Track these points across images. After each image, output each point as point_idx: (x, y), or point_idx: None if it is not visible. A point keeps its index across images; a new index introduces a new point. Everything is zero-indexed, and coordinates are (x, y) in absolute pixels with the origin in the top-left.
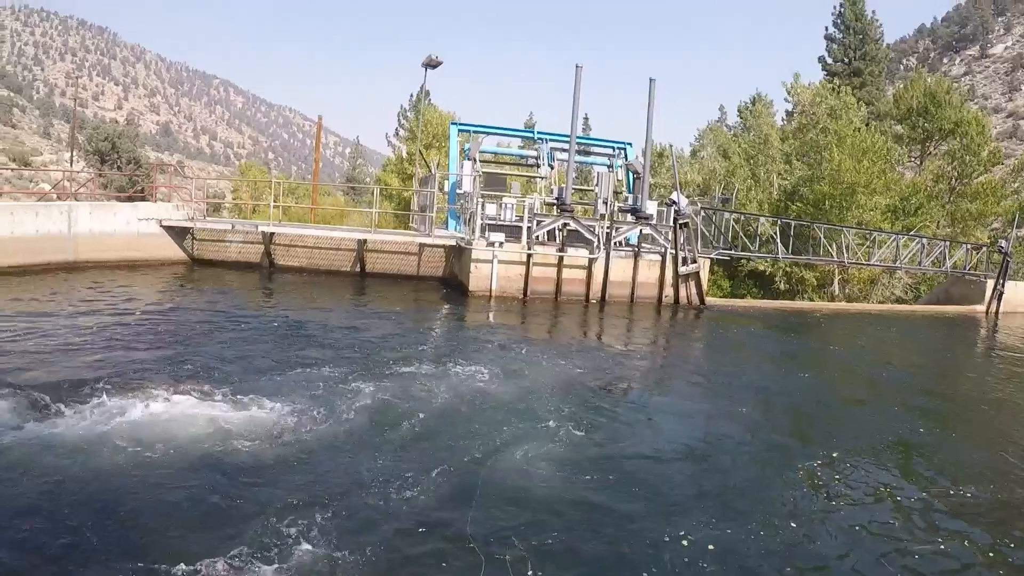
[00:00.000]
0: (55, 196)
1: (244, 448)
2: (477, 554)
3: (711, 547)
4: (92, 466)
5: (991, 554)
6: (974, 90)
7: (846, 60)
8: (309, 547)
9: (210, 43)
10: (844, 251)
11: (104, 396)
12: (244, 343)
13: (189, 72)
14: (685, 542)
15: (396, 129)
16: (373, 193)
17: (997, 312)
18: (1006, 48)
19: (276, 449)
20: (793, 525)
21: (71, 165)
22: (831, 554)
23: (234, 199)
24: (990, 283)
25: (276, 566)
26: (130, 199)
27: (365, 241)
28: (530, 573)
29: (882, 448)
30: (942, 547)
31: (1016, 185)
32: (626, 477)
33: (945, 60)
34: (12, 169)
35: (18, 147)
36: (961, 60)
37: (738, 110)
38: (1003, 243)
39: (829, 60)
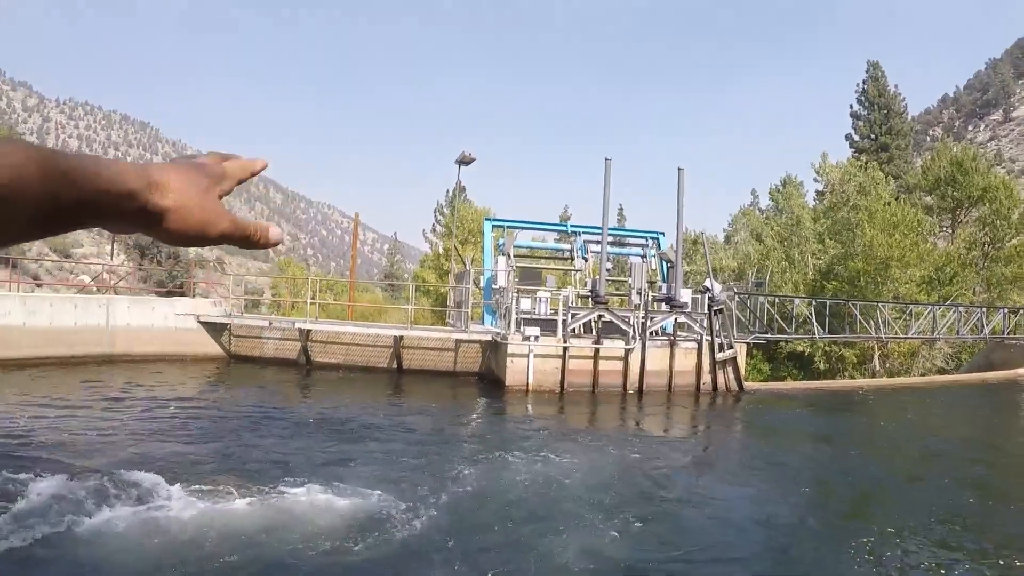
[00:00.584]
0: (95, 288)
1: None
2: None
3: None
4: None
5: None
6: (1000, 154)
7: (872, 136)
8: None
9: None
10: (881, 326)
11: (161, 489)
12: (282, 440)
13: None
14: None
15: (433, 225)
16: (409, 289)
17: None
18: None
19: (332, 550)
20: None
21: (111, 258)
22: None
23: (272, 295)
24: None
25: None
26: (169, 294)
27: (402, 337)
28: None
29: (935, 522)
30: None
31: None
32: (689, 567)
33: (970, 127)
34: (53, 260)
35: (59, 239)
36: (986, 126)
37: (769, 193)
38: None
39: (856, 137)
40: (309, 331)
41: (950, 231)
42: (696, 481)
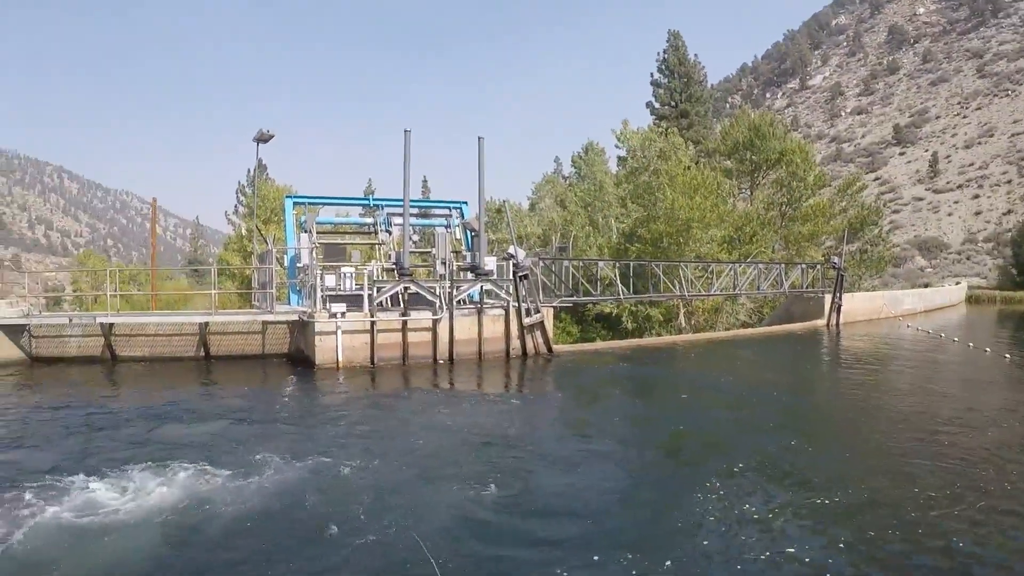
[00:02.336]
0: None
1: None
2: None
3: None
4: None
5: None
6: (797, 120)
7: (673, 103)
8: None
9: (41, 128)
10: (685, 284)
11: None
12: (88, 439)
13: (20, 159)
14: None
15: (235, 206)
16: (212, 273)
17: (838, 324)
18: (824, 78)
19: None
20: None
21: None
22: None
23: (74, 290)
24: (828, 298)
25: None
26: None
27: (207, 324)
28: None
29: (756, 465)
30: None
31: (844, 204)
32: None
33: (768, 95)
34: None
35: None
36: (783, 93)
37: (572, 160)
38: (836, 260)
39: (657, 104)
40: (112, 325)
41: (749, 193)
42: (521, 446)
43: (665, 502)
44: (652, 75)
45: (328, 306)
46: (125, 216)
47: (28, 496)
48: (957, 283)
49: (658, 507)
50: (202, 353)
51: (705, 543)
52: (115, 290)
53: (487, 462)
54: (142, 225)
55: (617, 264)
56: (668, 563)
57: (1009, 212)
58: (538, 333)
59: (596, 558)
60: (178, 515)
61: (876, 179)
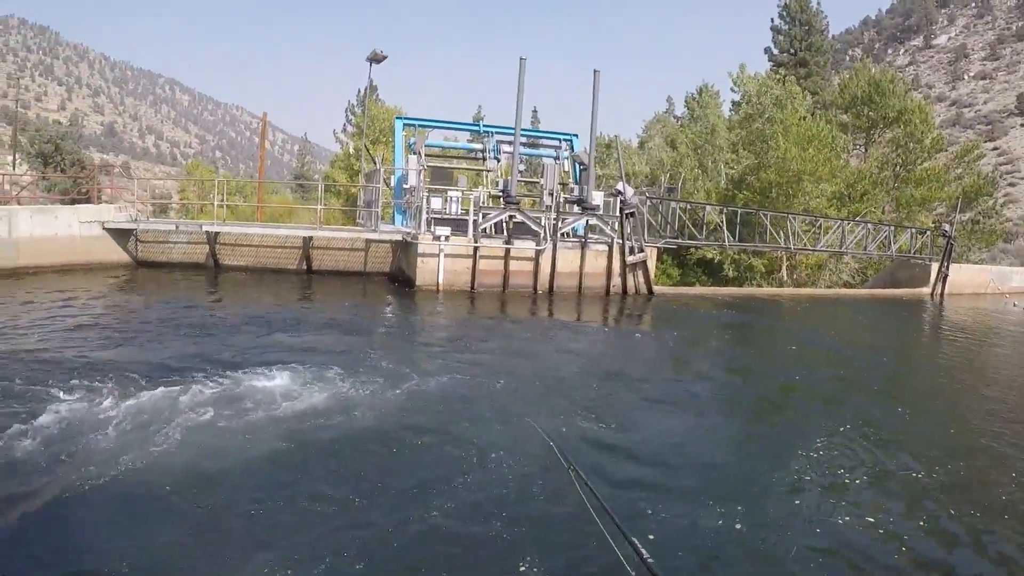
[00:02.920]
0: None
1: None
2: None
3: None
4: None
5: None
6: (918, 80)
7: (792, 51)
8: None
9: (156, 41)
10: (791, 237)
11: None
12: (198, 339)
13: (134, 71)
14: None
15: (344, 125)
16: (319, 189)
17: (943, 294)
18: (949, 39)
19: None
20: (774, 511)
21: (13, 168)
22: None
23: (181, 199)
24: (934, 266)
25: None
26: (73, 202)
27: (311, 238)
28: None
29: (853, 431)
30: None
31: (959, 171)
32: (616, 467)
33: (890, 51)
34: None
35: None
36: (905, 51)
37: (685, 101)
38: (947, 227)
39: (775, 51)
40: (217, 234)
41: (863, 150)
42: (610, 373)
43: (763, 456)
44: (772, 20)
45: (432, 228)
46: (234, 130)
47: (143, 395)
48: None
49: (755, 461)
50: (304, 267)
51: (797, 502)
52: (222, 200)
53: (583, 395)
54: (250, 139)
55: (724, 210)
56: (756, 519)
57: None
58: (640, 272)
59: (684, 506)
60: (287, 423)
61: (995, 149)
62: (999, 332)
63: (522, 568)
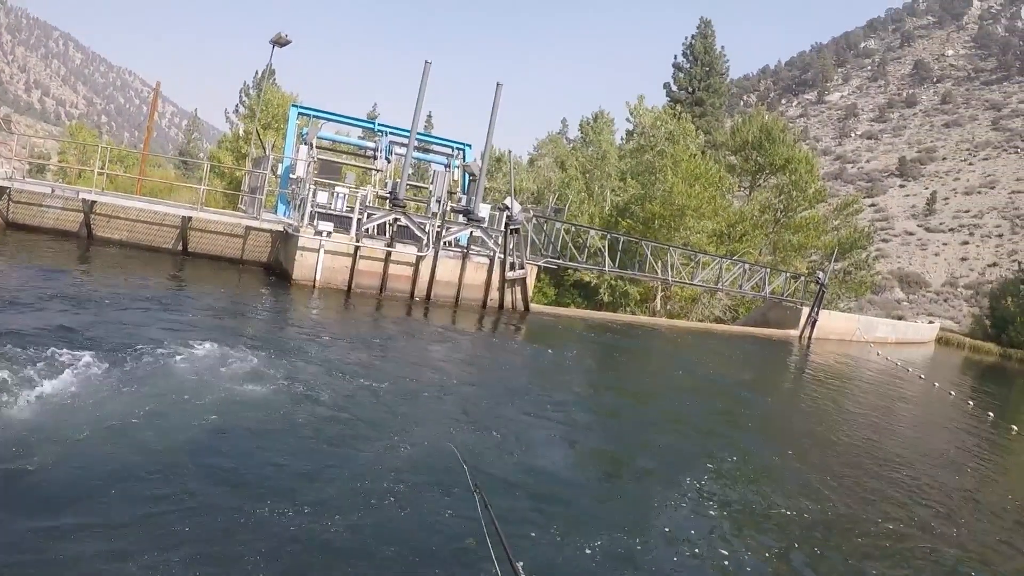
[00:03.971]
0: None
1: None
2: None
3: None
4: None
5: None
6: (807, 131)
7: (690, 89)
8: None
9: None
10: (669, 269)
11: None
12: (52, 314)
13: (29, 20)
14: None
15: (236, 106)
16: (204, 168)
17: (810, 337)
18: (842, 97)
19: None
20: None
21: None
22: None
23: (60, 162)
24: (805, 310)
25: None
26: None
27: (190, 219)
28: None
29: (728, 464)
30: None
31: (837, 223)
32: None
33: (784, 101)
34: None
35: None
36: (799, 103)
37: (580, 125)
38: (820, 275)
39: (674, 87)
40: (94, 203)
41: (748, 192)
42: (466, 402)
43: (642, 482)
44: (676, 57)
45: (316, 223)
46: (124, 95)
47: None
48: (931, 322)
49: (633, 486)
50: (180, 248)
51: (667, 530)
52: (102, 168)
53: (447, 404)
54: (140, 107)
55: (607, 236)
56: (628, 547)
57: (994, 264)
58: (519, 288)
59: (559, 529)
60: (130, 401)
61: (872, 205)
62: (860, 379)
63: None
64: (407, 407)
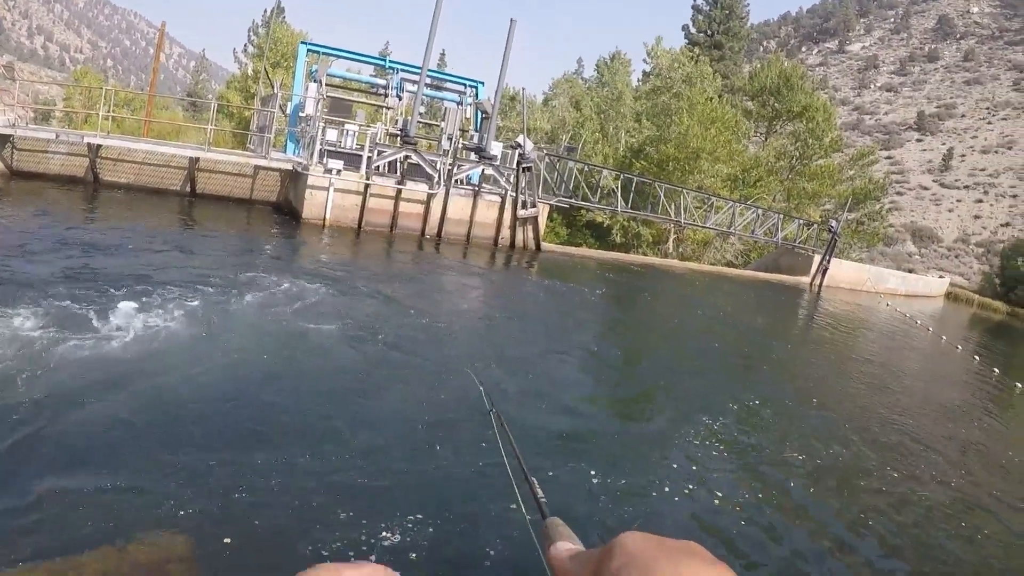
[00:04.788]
0: None
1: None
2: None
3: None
4: None
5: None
6: (826, 80)
7: (709, 32)
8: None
9: None
10: (682, 212)
11: None
12: (64, 260)
13: None
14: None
15: (245, 45)
16: (211, 108)
17: (821, 285)
18: (863, 47)
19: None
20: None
21: None
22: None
23: (65, 107)
24: (816, 258)
25: None
26: None
27: (198, 160)
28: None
29: (742, 410)
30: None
31: (852, 173)
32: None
33: (804, 49)
34: None
35: None
36: (819, 51)
37: (596, 65)
38: (833, 223)
39: (693, 29)
40: (99, 146)
41: (763, 138)
42: (477, 337)
43: (655, 420)
44: (695, 0)
45: (325, 161)
46: (129, 38)
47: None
48: (941, 277)
49: (645, 424)
50: (188, 189)
51: (675, 466)
52: (108, 112)
53: (464, 338)
54: (146, 50)
55: (620, 176)
56: (637, 479)
57: (1007, 224)
58: (530, 227)
59: (575, 458)
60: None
61: (888, 157)
62: (869, 328)
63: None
64: (424, 340)
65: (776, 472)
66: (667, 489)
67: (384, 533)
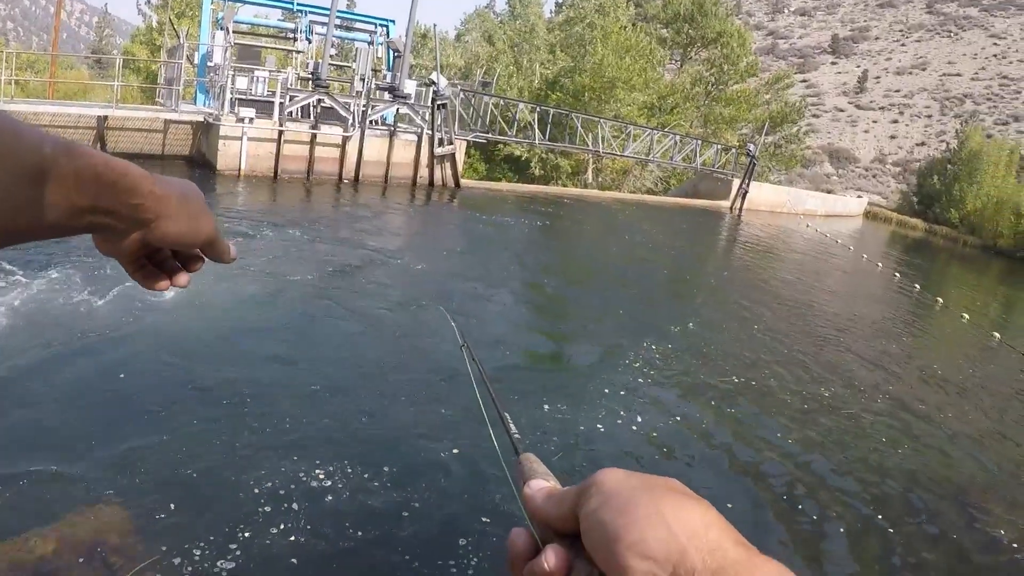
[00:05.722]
0: None
1: None
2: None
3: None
4: None
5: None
6: (740, 6)
7: None
8: None
9: None
10: (600, 141)
11: None
12: None
13: None
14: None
15: None
16: (116, 65)
17: (741, 208)
18: None
19: None
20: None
21: None
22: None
23: None
24: (736, 182)
25: None
26: None
27: (106, 118)
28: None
29: (655, 327)
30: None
31: (768, 97)
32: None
33: None
34: None
35: None
36: None
37: None
38: (751, 147)
39: None
40: (1, 112)
41: (679, 65)
42: (401, 276)
43: (605, 353)
44: None
45: (236, 110)
46: None
47: None
48: (859, 196)
49: (596, 358)
50: (98, 147)
51: (626, 396)
52: (11, 76)
53: (401, 281)
54: (46, 8)
55: (537, 109)
56: (593, 411)
57: (923, 144)
58: (448, 165)
59: (540, 396)
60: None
61: (804, 81)
62: (790, 249)
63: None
64: (366, 283)
65: (722, 394)
66: (630, 418)
67: (352, 476)
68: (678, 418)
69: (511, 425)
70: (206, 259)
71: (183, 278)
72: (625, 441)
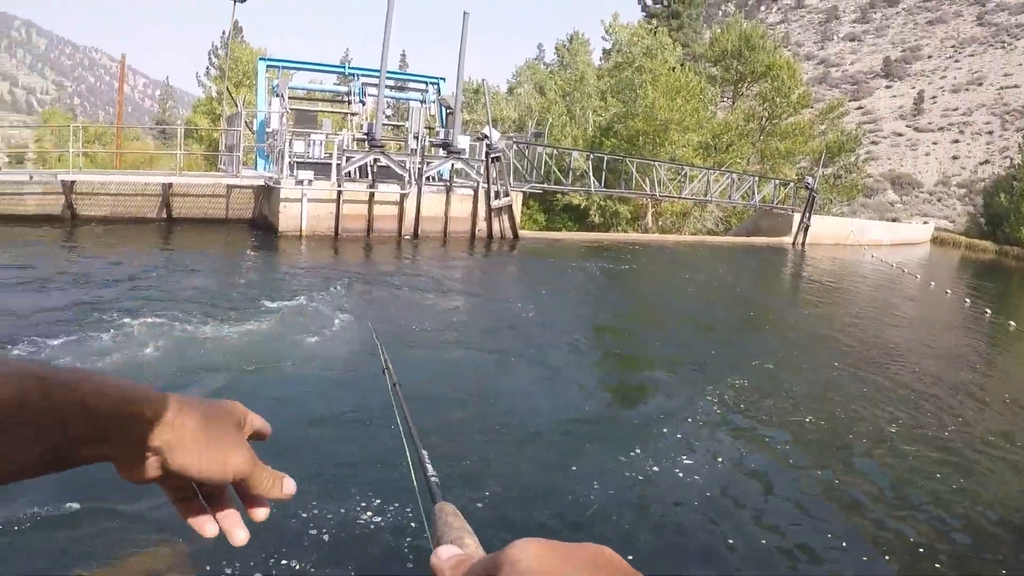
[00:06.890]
0: None
1: None
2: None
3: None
4: None
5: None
6: (788, 37)
7: (665, 3)
8: None
9: None
10: (657, 185)
11: None
12: (55, 296)
13: None
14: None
15: (207, 68)
16: (178, 133)
17: (804, 243)
18: (821, 0)
19: None
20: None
21: None
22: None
23: (37, 149)
24: (796, 216)
25: None
26: None
27: (171, 185)
28: None
29: (725, 363)
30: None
31: (823, 127)
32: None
33: (762, 8)
34: None
35: None
36: (778, 8)
37: (556, 48)
38: (809, 180)
39: (648, 2)
40: (73, 182)
41: (731, 103)
42: (473, 330)
43: (638, 382)
44: None
45: (295, 173)
46: (93, 74)
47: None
48: (925, 222)
49: (607, 402)
50: (164, 215)
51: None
52: (79, 148)
53: (449, 341)
54: (110, 84)
55: (591, 156)
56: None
57: (986, 162)
58: (505, 217)
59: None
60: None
61: (859, 108)
62: (855, 282)
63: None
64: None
65: (782, 426)
66: (710, 456)
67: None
68: (790, 461)
69: (428, 465)
70: (268, 500)
71: (238, 532)
72: (706, 478)
